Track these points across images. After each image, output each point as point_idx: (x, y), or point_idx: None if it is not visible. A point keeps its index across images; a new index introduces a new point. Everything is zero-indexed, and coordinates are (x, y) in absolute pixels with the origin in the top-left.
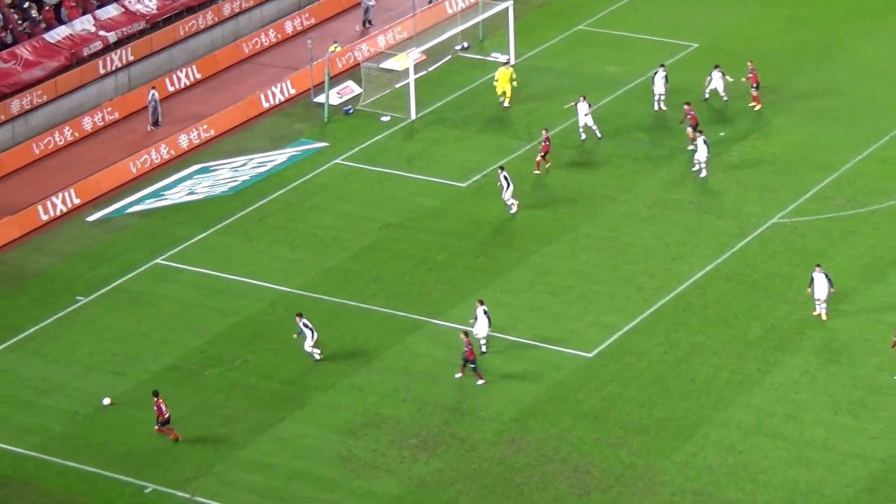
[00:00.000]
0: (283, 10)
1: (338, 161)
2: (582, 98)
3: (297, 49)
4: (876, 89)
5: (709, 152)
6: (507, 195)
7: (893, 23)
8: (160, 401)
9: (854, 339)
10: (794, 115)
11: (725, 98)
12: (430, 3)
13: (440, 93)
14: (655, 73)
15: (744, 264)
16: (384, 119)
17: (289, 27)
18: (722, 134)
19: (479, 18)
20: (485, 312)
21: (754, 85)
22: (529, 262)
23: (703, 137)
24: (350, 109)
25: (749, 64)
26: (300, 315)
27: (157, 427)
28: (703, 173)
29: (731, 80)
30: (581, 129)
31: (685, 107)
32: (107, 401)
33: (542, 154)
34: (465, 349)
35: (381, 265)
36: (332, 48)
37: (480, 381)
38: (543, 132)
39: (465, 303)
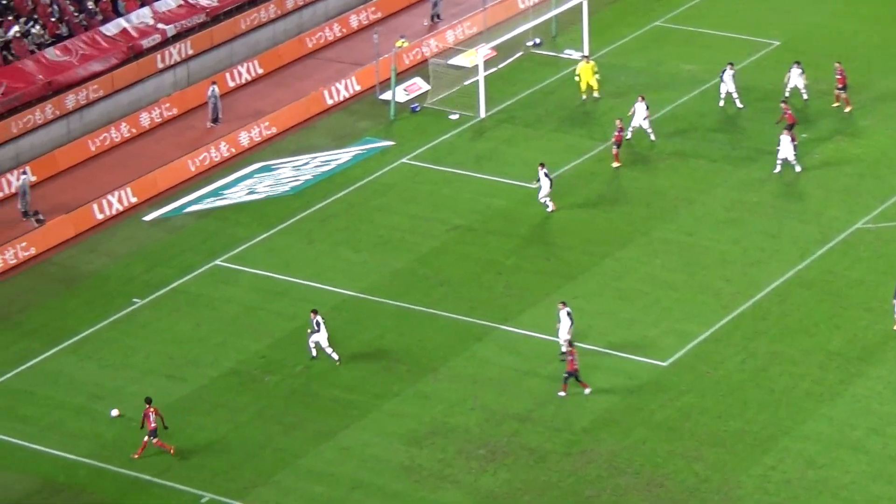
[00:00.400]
0: (349, 3)
1: (404, 160)
2: (640, 98)
3: (363, 44)
4: None
5: (795, 151)
6: (542, 194)
7: None
8: (150, 409)
9: None
10: (879, 117)
11: (805, 97)
12: None
13: (511, 90)
14: (724, 72)
15: (826, 271)
16: (452, 117)
17: (354, 21)
18: (805, 135)
19: (552, 14)
20: (568, 314)
21: (841, 86)
22: (602, 266)
23: (788, 137)
24: (417, 107)
25: (836, 65)
26: (315, 311)
27: (153, 440)
28: (778, 169)
29: (805, 81)
30: (648, 130)
31: (782, 105)
32: (115, 412)
33: (617, 144)
34: (569, 359)
35: (448, 268)
36: (398, 43)
37: (587, 390)
38: (617, 122)
39: (535, 308)
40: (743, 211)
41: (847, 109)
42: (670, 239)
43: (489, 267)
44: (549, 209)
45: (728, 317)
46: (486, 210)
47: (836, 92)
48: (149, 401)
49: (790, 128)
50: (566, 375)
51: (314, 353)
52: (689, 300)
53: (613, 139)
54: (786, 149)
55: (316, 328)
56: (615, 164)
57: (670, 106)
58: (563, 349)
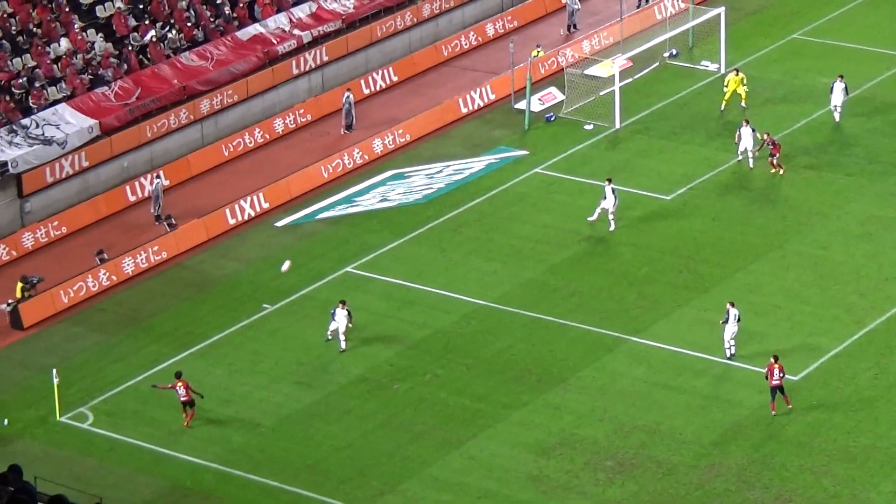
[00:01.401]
0: (485, 12)
1: (538, 170)
2: (745, 122)
3: (498, 53)
4: None
5: None
6: (606, 206)
7: None
8: (179, 383)
9: None
10: None
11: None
12: (638, 7)
13: (646, 102)
14: (834, 84)
15: None
16: (587, 128)
17: (490, 30)
18: None
19: (689, 25)
20: (736, 317)
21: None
22: (735, 279)
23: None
24: (552, 117)
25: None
26: (343, 302)
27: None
28: None
29: None
30: (751, 155)
31: None
32: (286, 265)
33: (774, 156)
34: (777, 376)
35: (580, 279)
36: (534, 53)
37: (789, 406)
38: (765, 136)
39: (667, 319)
40: (878, 225)
41: None
42: (804, 253)
43: (621, 278)
44: (611, 228)
45: (861, 332)
46: (619, 220)
47: None
48: (178, 375)
49: None
50: (773, 391)
51: (342, 347)
52: (821, 314)
53: (770, 151)
54: None
55: (337, 318)
56: (778, 172)
57: (806, 119)
58: (731, 349)
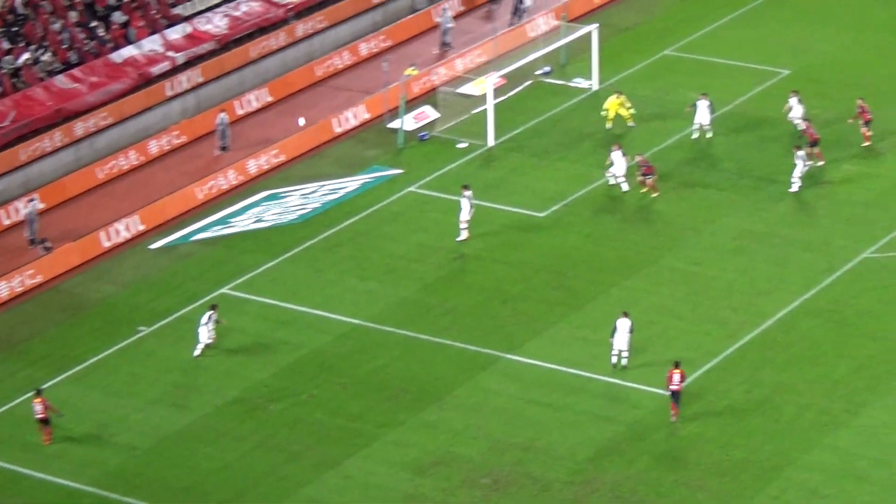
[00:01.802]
0: (358, 31)
1: (412, 189)
2: (616, 146)
3: (372, 72)
4: None
5: (804, 170)
6: (463, 216)
7: None
8: (39, 400)
9: None
10: (888, 147)
11: (802, 126)
12: (511, 25)
13: (520, 119)
14: (698, 101)
15: (832, 300)
16: (461, 146)
17: (364, 49)
18: (809, 163)
19: (561, 42)
20: (629, 328)
21: (865, 122)
22: (609, 295)
23: (801, 153)
24: (426, 135)
25: (858, 101)
26: (214, 307)
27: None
28: (794, 188)
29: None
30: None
31: (804, 125)
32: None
33: (645, 179)
34: (676, 381)
35: (455, 297)
36: (408, 71)
37: (674, 419)
38: (637, 158)
39: (541, 336)
40: (750, 240)
41: (865, 144)
42: (677, 268)
43: (495, 296)
44: (461, 237)
45: (733, 347)
46: (493, 239)
47: (863, 130)
48: (38, 391)
49: (812, 144)
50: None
51: (196, 353)
52: (695, 330)
53: (641, 172)
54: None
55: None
56: (651, 193)
57: (678, 135)
58: (623, 360)
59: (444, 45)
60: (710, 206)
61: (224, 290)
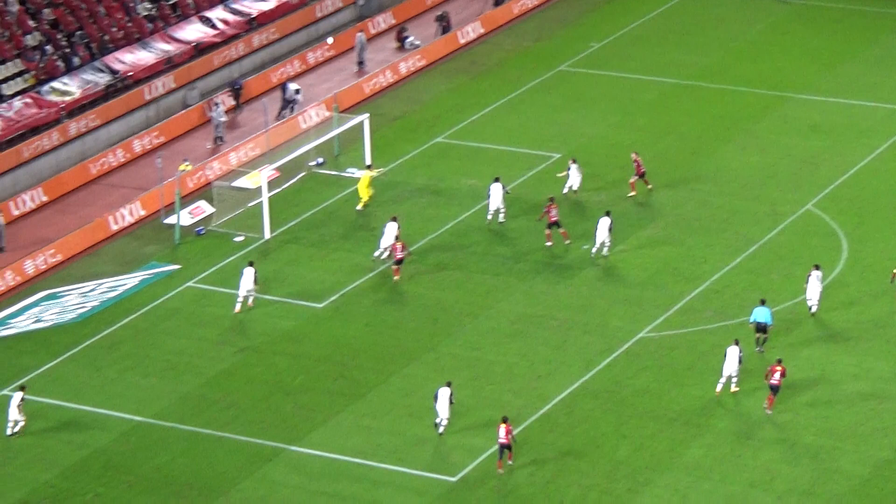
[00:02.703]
0: (131, 128)
1: (190, 284)
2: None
3: (146, 169)
4: (740, 197)
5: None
6: (245, 290)
7: (752, 128)
8: None
9: (726, 456)
10: (659, 226)
11: (575, 190)
12: (281, 118)
13: (295, 211)
14: (491, 186)
15: (611, 381)
16: (237, 239)
17: (137, 146)
18: (585, 247)
19: (333, 133)
20: (449, 397)
21: (638, 174)
22: (390, 383)
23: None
24: (202, 230)
25: (633, 155)
26: (23, 389)
27: None
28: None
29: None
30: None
31: (548, 204)
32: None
33: (547, 220)
34: (502, 434)
35: (237, 391)
36: (182, 167)
37: (510, 462)
38: (396, 244)
39: (324, 427)
40: (528, 324)
41: (631, 194)
42: (457, 354)
43: (277, 388)
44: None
45: (516, 430)
46: (273, 332)
47: (632, 181)
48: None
49: (550, 225)
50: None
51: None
52: (476, 415)
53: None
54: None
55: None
56: (395, 278)
57: (454, 221)
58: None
59: (218, 140)
60: (486, 290)
61: (4, 391)
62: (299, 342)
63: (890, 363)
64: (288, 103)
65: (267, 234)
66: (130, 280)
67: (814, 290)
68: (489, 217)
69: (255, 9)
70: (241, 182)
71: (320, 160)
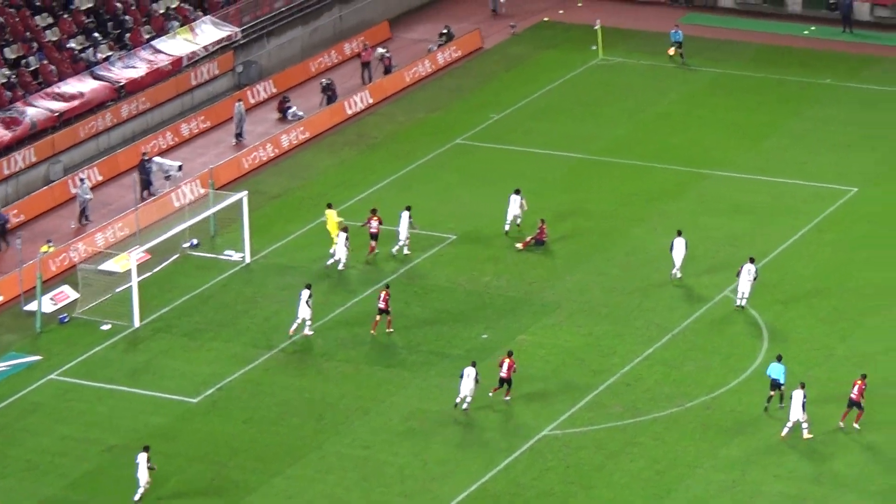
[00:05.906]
0: None
1: (52, 376)
2: (306, 285)
3: (5, 251)
4: (653, 282)
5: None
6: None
7: (667, 208)
8: None
9: None
10: (564, 313)
11: (519, 222)
12: (152, 196)
13: (167, 297)
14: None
15: (512, 483)
16: (104, 328)
17: None
18: (485, 336)
19: (209, 212)
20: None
21: (541, 239)
22: (272, 485)
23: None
24: (65, 318)
25: (539, 221)
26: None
27: None
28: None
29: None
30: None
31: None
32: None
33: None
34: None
35: (104, 493)
36: (44, 248)
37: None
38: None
39: None
40: (423, 420)
41: (519, 246)
42: (345, 453)
43: (148, 492)
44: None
45: None
46: (144, 428)
47: (529, 239)
48: None
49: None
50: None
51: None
52: None
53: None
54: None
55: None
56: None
57: (340, 308)
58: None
59: (83, 219)
60: (377, 384)
61: None
62: (172, 440)
63: (814, 461)
64: (149, 183)
65: (136, 322)
66: None
67: (745, 283)
68: (394, 249)
69: (123, 76)
70: (108, 265)
71: (195, 241)
